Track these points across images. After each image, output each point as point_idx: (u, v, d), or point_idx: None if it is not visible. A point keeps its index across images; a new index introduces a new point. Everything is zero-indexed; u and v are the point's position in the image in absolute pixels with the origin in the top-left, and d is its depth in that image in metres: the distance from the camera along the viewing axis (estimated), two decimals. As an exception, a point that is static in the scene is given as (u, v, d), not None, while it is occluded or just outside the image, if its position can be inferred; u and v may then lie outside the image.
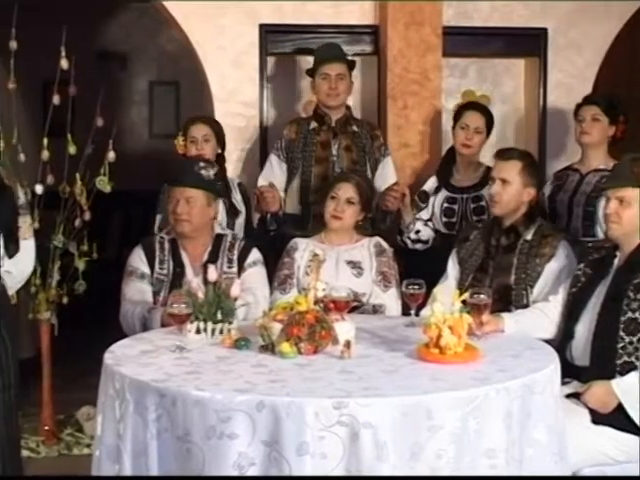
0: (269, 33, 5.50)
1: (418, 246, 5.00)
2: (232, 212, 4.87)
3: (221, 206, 4.75)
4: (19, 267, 3.55)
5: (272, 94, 5.62)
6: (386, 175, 5.05)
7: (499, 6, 5.79)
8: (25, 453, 4.87)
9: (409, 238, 4.98)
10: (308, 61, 5.25)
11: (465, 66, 5.99)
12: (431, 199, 5.02)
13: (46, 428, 5.31)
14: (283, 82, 5.71)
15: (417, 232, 4.97)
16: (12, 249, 3.45)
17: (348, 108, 5.12)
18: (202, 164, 4.24)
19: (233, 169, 5.32)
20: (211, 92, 5.49)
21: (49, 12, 7.96)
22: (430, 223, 5.01)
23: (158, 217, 4.95)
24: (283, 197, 4.98)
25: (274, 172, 5.03)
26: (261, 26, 5.47)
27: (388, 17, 5.48)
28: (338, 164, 4.97)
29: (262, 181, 5.01)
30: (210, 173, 4.22)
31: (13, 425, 3.51)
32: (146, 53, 9.90)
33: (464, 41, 5.78)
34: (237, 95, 5.48)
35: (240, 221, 4.92)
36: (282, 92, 5.69)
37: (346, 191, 4.42)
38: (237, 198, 4.96)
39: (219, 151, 5.00)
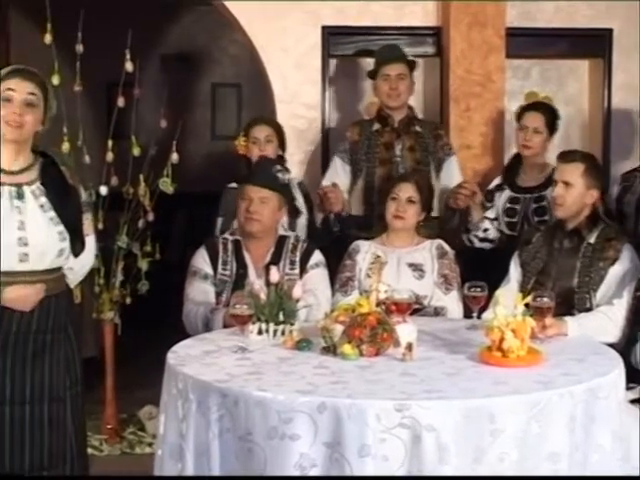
0: (331, 35, 5.50)
1: (485, 245, 4.95)
2: (293, 212, 4.88)
3: None
4: (80, 263, 3.60)
5: (334, 96, 5.62)
6: (452, 174, 5.02)
7: (563, 6, 5.74)
8: (89, 451, 4.92)
9: (476, 237, 4.94)
10: (370, 63, 5.25)
11: (528, 67, 5.94)
12: (496, 198, 4.99)
13: (109, 427, 5.37)
14: (345, 84, 5.71)
15: (485, 230, 4.93)
16: (78, 248, 3.50)
17: (410, 108, 5.10)
18: (279, 167, 4.28)
19: (296, 171, 5.32)
20: (273, 94, 5.51)
21: (113, 15, 8.05)
22: (495, 222, 4.98)
23: (219, 220, 4.98)
24: (347, 198, 4.97)
25: (338, 174, 5.04)
26: (323, 28, 5.47)
27: (451, 18, 5.46)
28: (402, 165, 4.95)
29: (326, 182, 5.02)
30: (285, 177, 4.28)
31: (80, 421, 3.58)
32: (209, 55, 9.95)
33: (527, 42, 5.73)
34: (299, 97, 5.49)
35: (301, 221, 4.94)
36: (344, 94, 5.69)
37: (406, 191, 4.41)
38: (298, 198, 4.98)
39: (280, 152, 5.02)
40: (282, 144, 5.03)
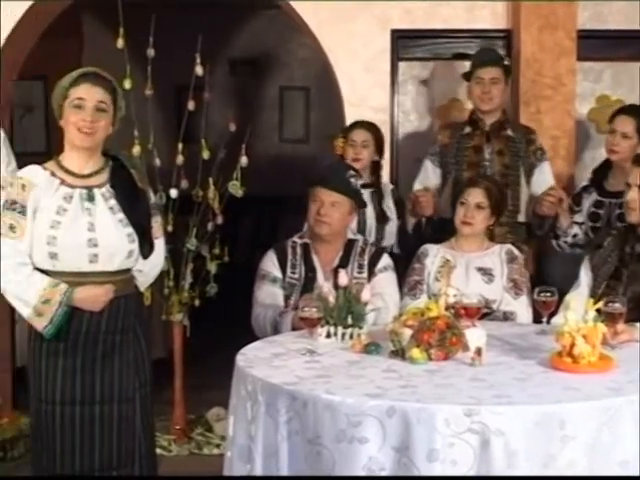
0: (400, 38, 5.49)
1: (575, 250, 4.89)
2: (382, 218, 4.88)
3: (370, 212, 4.80)
4: (150, 266, 3.64)
5: (403, 99, 5.60)
6: (543, 181, 4.94)
7: (636, 8, 5.65)
8: (157, 451, 4.97)
9: (566, 242, 4.89)
10: (440, 66, 5.23)
11: (600, 70, 5.87)
12: (583, 201, 4.93)
13: (177, 427, 5.43)
14: (414, 87, 5.70)
15: (574, 236, 4.87)
16: (147, 250, 3.54)
17: (504, 112, 5.07)
18: (352, 172, 4.29)
19: (366, 174, 5.30)
20: (342, 97, 5.51)
21: (183, 19, 8.13)
22: (584, 226, 4.92)
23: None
24: (438, 201, 4.96)
25: (429, 177, 5.03)
26: (393, 31, 5.46)
27: (521, 21, 5.41)
28: (490, 169, 4.91)
29: (417, 186, 5.02)
30: (357, 183, 4.28)
31: (149, 421, 3.61)
32: (277, 59, 10.01)
33: (599, 44, 5.66)
34: (368, 100, 5.49)
35: (390, 228, 4.93)
36: (413, 98, 5.68)
37: (475, 196, 4.39)
38: (389, 204, 4.98)
39: (376, 158, 5.03)
40: (379, 150, 5.04)
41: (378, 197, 4.95)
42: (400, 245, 4.98)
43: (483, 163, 4.94)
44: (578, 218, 4.90)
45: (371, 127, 5.08)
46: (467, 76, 5.03)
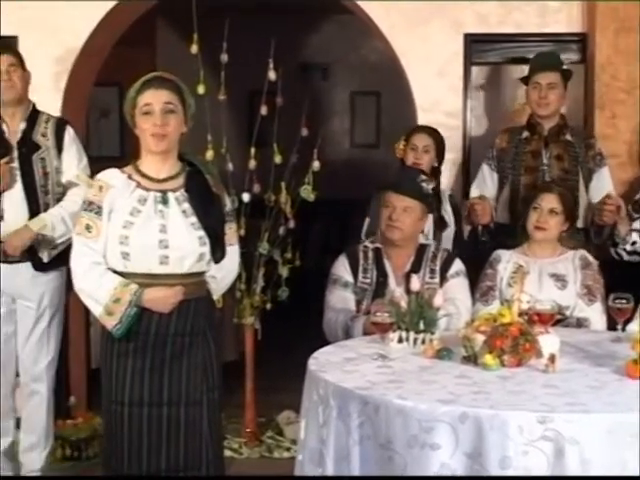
0: (474, 42, 5.46)
1: (633, 258, 4.83)
2: (440, 224, 4.87)
3: (429, 217, 4.78)
4: (223, 272, 3.67)
5: (475, 104, 5.57)
6: (602, 187, 4.88)
7: None
8: (228, 453, 5.02)
9: (625, 250, 4.82)
10: (513, 70, 5.19)
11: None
12: None
13: (248, 430, 5.45)
14: (487, 92, 5.66)
15: (633, 244, 4.80)
16: (219, 255, 3.56)
17: (562, 117, 5.01)
18: (424, 177, 4.28)
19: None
20: (414, 102, 5.50)
21: (255, 24, 8.19)
22: None
23: (367, 221, 5.00)
24: (495, 207, 4.93)
25: (486, 182, 5.00)
26: (466, 35, 5.44)
27: (597, 24, 5.35)
28: (548, 174, 4.87)
29: (474, 191, 4.99)
30: (429, 187, 4.27)
31: (217, 425, 3.62)
32: (347, 63, 10.02)
33: (675, 48, 5.56)
34: (440, 105, 5.47)
35: (447, 234, 4.91)
36: (486, 102, 5.64)
37: (549, 202, 4.35)
38: (447, 210, 4.96)
39: (435, 164, 5.02)
40: (440, 156, 5.03)
41: (437, 203, 4.90)
42: (456, 251, 4.94)
43: (541, 168, 4.89)
44: (637, 224, 4.82)
45: (433, 132, 5.07)
46: (525, 80, 4.99)
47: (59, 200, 4.57)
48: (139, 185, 3.47)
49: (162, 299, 3.41)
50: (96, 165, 5.45)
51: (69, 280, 4.65)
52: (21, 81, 4.57)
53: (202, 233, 3.47)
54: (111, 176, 3.49)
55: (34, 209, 4.50)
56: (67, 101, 5.56)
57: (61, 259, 4.56)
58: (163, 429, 3.45)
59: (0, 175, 4.42)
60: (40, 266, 4.54)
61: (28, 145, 4.56)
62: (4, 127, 4.56)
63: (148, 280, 3.41)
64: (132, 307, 3.37)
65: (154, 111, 3.44)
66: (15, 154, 4.52)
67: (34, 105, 4.71)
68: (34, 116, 4.64)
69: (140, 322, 3.42)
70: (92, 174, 3.66)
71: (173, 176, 3.53)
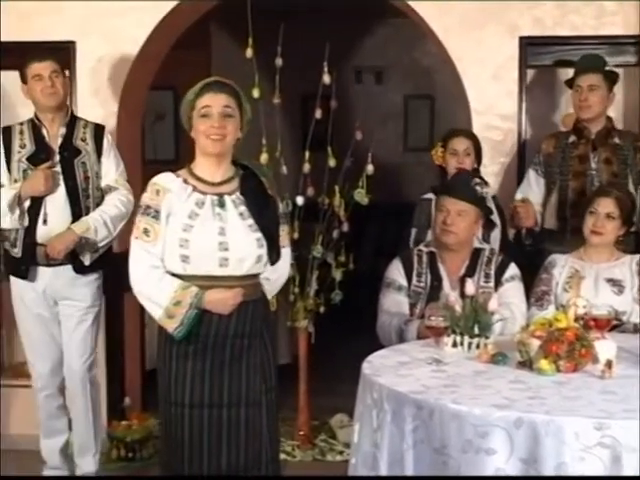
0: (529, 45, 5.42)
1: None
2: (487, 225, 4.85)
3: None
4: (276, 274, 3.69)
5: (530, 107, 5.53)
6: None
7: None
8: (281, 456, 5.01)
9: None
10: (568, 73, 5.15)
11: None
12: None
13: (301, 433, 5.47)
14: (542, 95, 5.61)
15: None
16: (274, 256, 3.58)
17: (609, 119, 4.97)
18: (477, 180, 4.26)
19: (491, 183, 5.27)
20: (469, 105, 5.47)
21: (309, 28, 8.20)
22: None
23: (413, 231, 5.00)
24: (540, 212, 4.90)
25: (531, 187, 4.97)
26: (521, 38, 5.39)
27: (654, 26, 5.29)
28: (597, 178, 4.82)
29: (519, 195, 4.96)
30: (484, 190, 4.26)
31: (275, 426, 3.65)
32: (401, 67, 10.00)
33: None
34: (495, 108, 5.43)
35: (495, 234, 4.89)
36: (541, 105, 5.60)
37: (606, 206, 4.30)
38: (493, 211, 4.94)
39: (475, 165, 5.00)
40: (478, 157, 5.02)
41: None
42: (502, 254, 4.91)
43: (589, 172, 4.83)
44: None
45: (470, 135, 5.07)
46: (569, 83, 4.95)
47: (99, 204, 4.63)
48: (195, 189, 3.50)
49: (222, 301, 3.43)
50: (151, 168, 5.53)
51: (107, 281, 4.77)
52: (63, 87, 4.64)
53: (259, 235, 3.49)
54: (167, 180, 3.52)
55: (76, 213, 4.56)
56: (123, 105, 5.61)
57: (101, 262, 4.65)
58: (223, 430, 3.47)
59: (43, 179, 4.48)
60: (81, 269, 4.60)
61: (69, 150, 4.62)
62: (44, 132, 4.63)
63: (207, 282, 3.43)
64: (193, 309, 3.39)
65: (212, 114, 3.46)
66: (57, 159, 4.59)
67: (72, 110, 4.79)
68: (73, 121, 4.72)
69: (200, 324, 3.44)
70: (147, 177, 3.67)
71: (228, 179, 3.56)
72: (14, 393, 5.51)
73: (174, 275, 3.45)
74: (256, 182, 3.59)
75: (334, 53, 5.16)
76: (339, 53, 5.33)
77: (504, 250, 4.72)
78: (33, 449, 4.91)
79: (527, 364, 3.28)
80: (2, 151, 4.61)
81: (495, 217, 4.92)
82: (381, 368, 3.34)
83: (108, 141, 4.73)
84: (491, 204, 4.94)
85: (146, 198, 3.51)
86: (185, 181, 3.52)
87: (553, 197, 4.90)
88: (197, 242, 3.41)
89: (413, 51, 9.78)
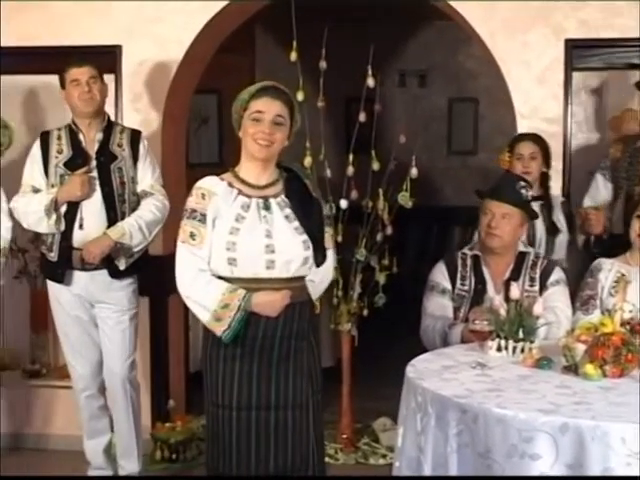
0: (575, 48, 5.38)
1: None
2: (552, 230, 4.82)
3: (540, 224, 4.74)
4: (320, 276, 3.68)
5: (576, 110, 5.49)
6: None
7: None
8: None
9: None
10: (615, 76, 5.10)
11: None
12: None
13: (344, 436, 5.47)
14: (588, 98, 5.57)
15: None
16: (320, 258, 3.58)
17: None
18: (522, 183, 4.23)
19: (535, 187, 5.22)
20: (513, 108, 5.44)
21: (353, 31, 8.21)
22: None
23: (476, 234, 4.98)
24: (609, 217, 4.84)
25: (599, 192, 4.92)
26: (567, 41, 5.35)
27: (702, 27, 5.23)
28: None
29: (588, 201, 4.92)
30: (528, 194, 4.23)
31: (321, 428, 3.65)
32: (445, 70, 9.97)
33: None
34: (540, 111, 5.39)
35: (560, 240, 4.86)
36: (587, 108, 5.56)
37: None
38: (559, 217, 4.91)
39: (544, 169, 4.97)
40: (547, 161, 4.98)
41: (548, 209, 4.87)
42: (569, 260, 4.88)
43: None
44: None
45: (537, 139, 5.01)
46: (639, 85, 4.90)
47: (134, 209, 4.65)
48: (241, 192, 3.51)
49: (270, 303, 3.43)
50: (195, 172, 5.56)
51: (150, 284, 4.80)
52: (100, 93, 4.66)
53: (305, 237, 3.50)
54: (212, 184, 3.53)
55: (112, 218, 4.58)
56: (168, 109, 5.64)
57: (136, 266, 4.67)
58: (271, 433, 3.47)
59: (79, 185, 4.52)
60: (116, 273, 4.63)
61: (106, 155, 4.65)
62: (81, 137, 4.66)
63: (254, 285, 3.44)
64: (241, 312, 3.40)
65: (264, 119, 3.46)
66: (93, 164, 4.62)
67: (109, 116, 4.82)
68: (109, 127, 4.74)
69: (248, 326, 3.44)
70: (191, 181, 3.68)
71: (273, 182, 3.57)
72: (59, 394, 5.57)
73: (221, 278, 3.46)
74: (300, 184, 3.59)
75: (378, 56, 5.16)
76: (383, 56, 5.33)
77: (573, 257, 4.71)
78: (78, 450, 4.95)
79: (572, 369, 3.26)
80: (40, 156, 4.66)
81: (562, 223, 4.89)
82: (425, 372, 3.34)
83: (144, 146, 4.75)
84: (559, 210, 4.90)
85: (192, 202, 3.51)
86: (230, 184, 3.53)
87: (620, 202, 4.85)
88: (244, 245, 3.42)
89: (457, 54, 9.75)
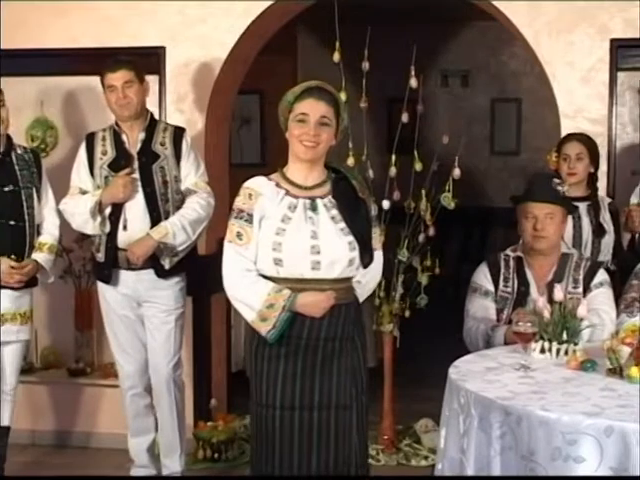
0: (620, 48, 5.33)
1: None
2: (598, 232, 4.79)
3: (586, 225, 4.71)
4: (368, 277, 3.67)
5: (621, 111, 5.44)
6: None
7: None
8: (366, 460, 5.03)
9: None
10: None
11: None
12: None
13: (385, 437, 5.46)
14: (632, 98, 5.52)
15: None
16: (366, 259, 3.57)
17: None
18: (556, 180, 4.21)
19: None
20: (557, 109, 5.41)
21: (395, 32, 8.20)
22: None
23: None
24: None
25: None
26: (612, 41, 5.31)
27: None
28: None
29: (634, 200, 4.88)
30: (564, 189, 4.19)
31: (364, 430, 3.64)
32: (488, 70, 9.94)
33: None
34: (584, 112, 5.35)
35: (606, 241, 4.82)
36: (631, 109, 5.50)
37: None
38: (605, 218, 4.87)
39: (591, 170, 4.93)
40: (594, 161, 4.93)
41: (594, 210, 4.84)
42: (615, 261, 4.85)
43: None
44: None
45: (584, 139, 4.97)
46: None
47: (178, 208, 4.67)
48: (288, 193, 3.52)
49: (315, 303, 3.44)
50: (237, 172, 5.58)
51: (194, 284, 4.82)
52: (137, 96, 4.67)
53: (351, 238, 3.49)
54: (260, 184, 3.55)
55: (155, 218, 4.61)
56: (211, 109, 5.67)
57: (182, 265, 4.70)
58: (314, 433, 3.47)
59: (121, 186, 4.55)
60: (162, 273, 4.66)
61: (148, 155, 4.68)
62: (124, 138, 4.70)
63: (300, 285, 3.45)
64: (286, 312, 3.41)
65: (309, 121, 3.47)
66: (136, 164, 4.65)
67: (152, 115, 4.83)
68: (152, 125, 4.77)
69: (292, 326, 3.45)
70: (234, 181, 3.70)
71: (320, 183, 3.57)
72: (103, 392, 5.62)
73: (267, 278, 3.47)
74: (348, 186, 3.59)
75: (420, 56, 5.16)
76: (425, 56, 5.33)
77: (617, 256, 4.67)
78: (122, 448, 4.99)
79: (617, 371, 3.24)
80: (86, 158, 4.70)
81: (608, 225, 4.85)
82: (468, 373, 3.33)
83: (187, 144, 4.77)
84: (606, 210, 4.86)
85: (239, 202, 3.53)
86: (277, 185, 3.54)
87: None
88: (290, 245, 3.43)
89: (499, 54, 9.73)
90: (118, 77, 4.62)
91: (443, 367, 3.50)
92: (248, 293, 3.46)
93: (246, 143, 8.73)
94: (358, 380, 3.57)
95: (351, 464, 3.53)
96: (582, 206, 4.71)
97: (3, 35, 5.58)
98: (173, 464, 4.84)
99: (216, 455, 5.30)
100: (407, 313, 5.40)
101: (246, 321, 3.55)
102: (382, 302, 5.34)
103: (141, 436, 4.89)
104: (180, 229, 4.59)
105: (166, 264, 4.64)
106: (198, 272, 4.85)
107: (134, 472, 4.92)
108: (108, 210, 4.60)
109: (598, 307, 4.04)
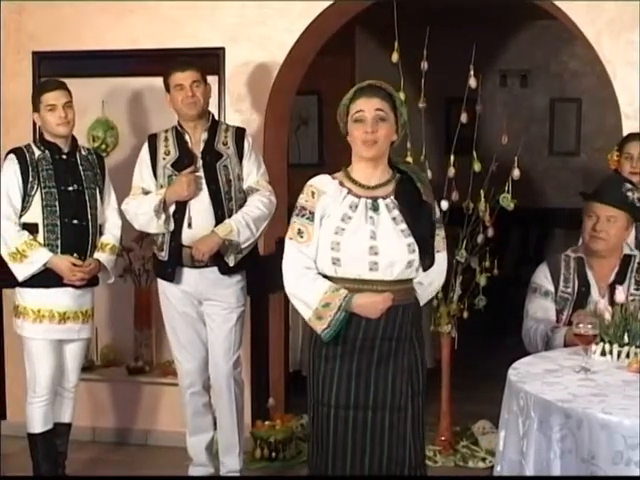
0: (683, 47, 5.26)
1: None
2: None
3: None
4: (430, 279, 3.66)
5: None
6: None
7: None
8: (423, 461, 5.02)
9: None
10: None
11: None
12: None
13: (443, 439, 5.45)
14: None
15: None
16: (427, 262, 3.56)
17: None
18: (629, 185, 4.15)
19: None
20: (619, 109, 5.35)
21: (454, 32, 8.17)
22: None
23: None
24: None
25: None
26: (675, 40, 5.25)
27: None
28: None
29: None
30: (635, 196, 4.14)
31: (421, 431, 3.62)
32: (547, 70, 9.85)
33: None
34: (647, 113, 5.30)
35: None
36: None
37: None
38: None
39: None
40: None
41: None
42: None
43: None
44: None
45: None
46: None
47: (241, 206, 4.72)
48: (350, 192, 3.52)
49: (371, 305, 3.44)
50: (295, 172, 5.60)
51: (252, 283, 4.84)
52: (203, 96, 4.74)
53: (411, 240, 3.49)
54: (323, 182, 3.56)
55: (220, 215, 4.66)
56: (270, 110, 5.69)
57: (245, 263, 4.72)
58: (367, 433, 3.47)
59: (186, 184, 4.59)
60: (226, 270, 4.69)
61: (211, 154, 4.72)
62: (187, 138, 4.74)
63: (357, 285, 3.45)
64: (341, 312, 3.42)
65: (365, 118, 3.47)
66: (199, 163, 4.69)
67: (213, 115, 4.88)
68: (214, 126, 4.81)
69: (348, 326, 3.45)
70: (292, 181, 3.71)
71: (384, 183, 3.56)
72: (162, 391, 5.68)
73: (326, 277, 3.48)
74: (411, 187, 3.57)
75: (479, 56, 5.14)
76: (484, 56, 5.30)
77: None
78: (180, 446, 5.03)
79: (679, 375, 3.19)
80: (148, 158, 4.76)
81: None
82: (527, 375, 3.30)
83: (249, 143, 4.81)
84: None
85: (301, 200, 3.55)
86: (341, 184, 3.55)
87: None
88: (348, 245, 3.44)
89: (559, 53, 9.63)
90: (187, 76, 4.67)
91: (501, 368, 3.48)
92: (306, 291, 3.48)
93: (304, 143, 8.75)
94: (415, 381, 3.56)
95: (405, 465, 3.52)
96: None
97: (70, 37, 5.73)
98: (232, 462, 4.87)
99: (273, 454, 5.32)
100: (465, 314, 5.38)
101: (304, 320, 3.56)
102: (440, 303, 5.33)
103: (199, 434, 4.92)
104: (244, 226, 4.63)
105: (230, 261, 4.67)
106: (257, 271, 4.87)
107: (192, 470, 4.96)
108: (172, 208, 4.65)
109: (660, 309, 4.00)
